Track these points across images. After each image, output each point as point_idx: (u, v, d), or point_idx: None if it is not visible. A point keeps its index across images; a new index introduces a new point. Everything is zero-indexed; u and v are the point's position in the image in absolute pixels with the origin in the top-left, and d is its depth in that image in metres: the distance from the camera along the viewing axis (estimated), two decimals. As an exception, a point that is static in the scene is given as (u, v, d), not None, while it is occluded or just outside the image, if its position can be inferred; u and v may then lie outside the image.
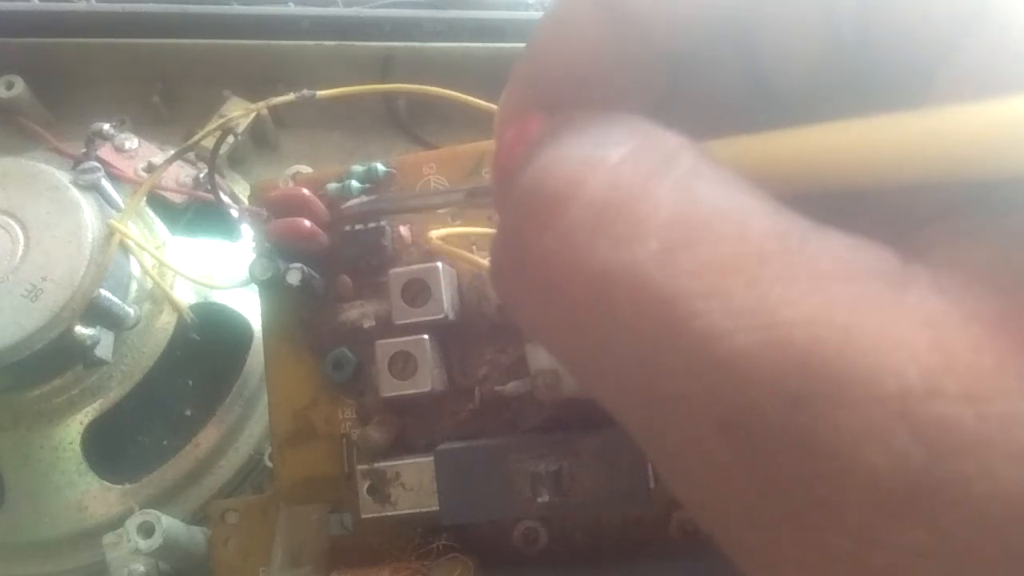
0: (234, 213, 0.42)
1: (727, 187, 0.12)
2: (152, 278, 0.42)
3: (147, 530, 0.35)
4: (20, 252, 0.38)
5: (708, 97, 0.16)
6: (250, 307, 0.44)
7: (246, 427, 0.43)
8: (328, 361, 0.32)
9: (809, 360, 0.11)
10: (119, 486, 0.42)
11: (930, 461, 0.10)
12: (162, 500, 0.41)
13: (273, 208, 0.33)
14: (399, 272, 0.30)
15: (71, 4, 0.55)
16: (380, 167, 0.33)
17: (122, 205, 0.42)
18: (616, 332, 0.12)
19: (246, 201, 0.42)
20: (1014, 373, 0.11)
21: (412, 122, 0.53)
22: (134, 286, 0.41)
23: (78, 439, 0.41)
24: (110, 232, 0.39)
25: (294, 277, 0.31)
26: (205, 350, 0.43)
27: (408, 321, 0.30)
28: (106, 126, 0.47)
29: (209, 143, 0.40)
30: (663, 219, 0.12)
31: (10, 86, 0.52)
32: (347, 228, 0.33)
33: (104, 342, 0.39)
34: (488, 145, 0.33)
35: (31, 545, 0.42)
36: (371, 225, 0.32)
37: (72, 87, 0.55)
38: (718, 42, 0.16)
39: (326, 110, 0.53)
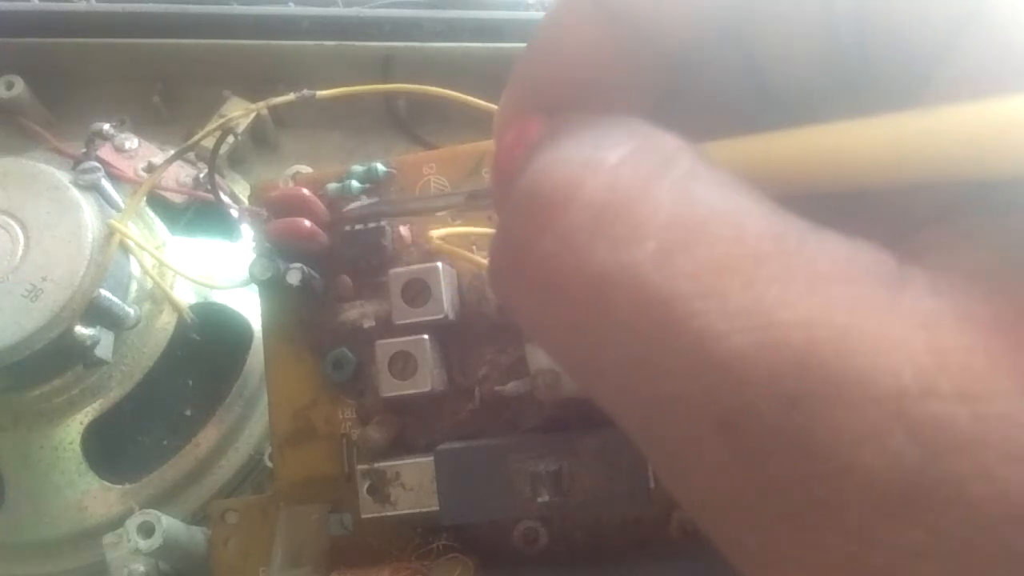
0: (234, 213, 0.42)
1: (724, 189, 0.12)
2: (152, 278, 0.42)
3: (147, 530, 0.35)
4: (20, 252, 0.38)
5: (707, 98, 0.17)
6: (250, 307, 0.44)
7: (246, 427, 0.43)
8: (328, 361, 0.32)
9: (805, 361, 0.11)
10: (119, 486, 0.42)
11: (925, 461, 0.10)
12: (162, 500, 0.41)
13: (273, 208, 0.33)
14: (399, 272, 0.30)
15: (71, 4, 0.55)
16: (380, 167, 0.33)
17: (122, 205, 0.42)
18: (614, 333, 0.12)
19: (246, 201, 0.42)
20: (1008, 373, 0.11)
21: (412, 122, 0.53)
22: (134, 286, 0.41)
23: (78, 439, 0.41)
24: (110, 232, 0.39)
25: (294, 277, 0.31)
26: (205, 350, 0.43)
27: (408, 321, 0.30)
28: (106, 126, 0.47)
29: (209, 143, 0.40)
30: (661, 221, 0.12)
31: (10, 86, 0.52)
32: (347, 228, 0.33)
33: (104, 342, 0.39)
34: (488, 145, 0.33)
35: (31, 545, 0.42)
36: (371, 225, 0.32)
37: (72, 87, 0.55)
38: (717, 43, 0.16)
39: (326, 110, 0.53)
